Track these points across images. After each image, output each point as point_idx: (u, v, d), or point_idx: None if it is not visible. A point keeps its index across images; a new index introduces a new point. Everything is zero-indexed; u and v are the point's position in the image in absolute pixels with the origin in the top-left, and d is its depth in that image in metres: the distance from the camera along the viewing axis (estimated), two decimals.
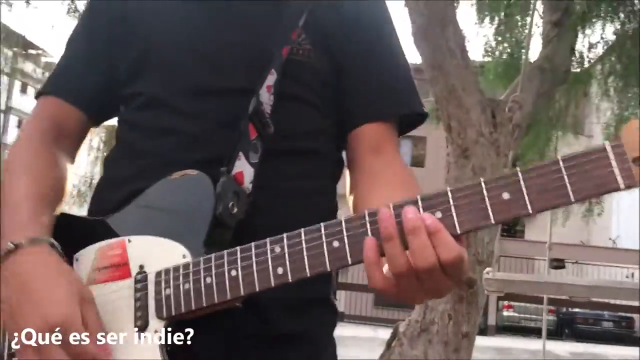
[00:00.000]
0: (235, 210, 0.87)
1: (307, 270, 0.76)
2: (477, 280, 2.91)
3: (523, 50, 3.66)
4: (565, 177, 0.68)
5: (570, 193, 0.67)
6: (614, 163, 0.67)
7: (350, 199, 1.01)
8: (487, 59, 5.92)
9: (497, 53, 5.68)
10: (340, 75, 1.00)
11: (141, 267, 0.86)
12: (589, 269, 18.04)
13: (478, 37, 5.95)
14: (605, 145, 0.68)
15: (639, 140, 0.66)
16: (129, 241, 0.88)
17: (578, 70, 5.28)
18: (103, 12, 1.05)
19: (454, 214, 0.71)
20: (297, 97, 0.97)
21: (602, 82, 5.62)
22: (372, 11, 1.05)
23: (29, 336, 0.78)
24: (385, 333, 3.14)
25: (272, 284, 0.77)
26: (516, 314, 17.98)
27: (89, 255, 0.89)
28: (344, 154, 1.06)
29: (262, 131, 0.92)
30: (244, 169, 0.90)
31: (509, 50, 5.52)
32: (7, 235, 0.84)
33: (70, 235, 0.89)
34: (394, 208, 0.72)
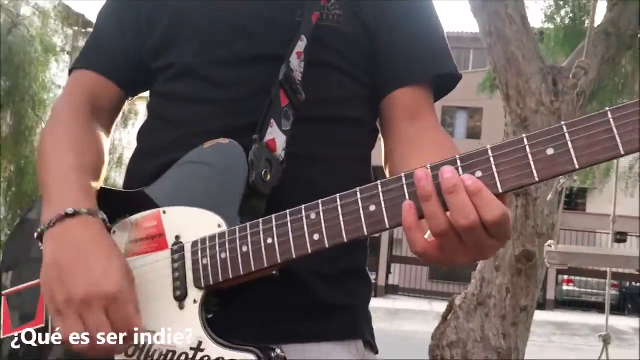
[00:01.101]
0: (269, 177, 0.86)
1: (344, 235, 0.75)
2: (537, 254, 2.84)
3: (587, 15, 3.50)
4: (614, 128, 0.63)
5: (620, 145, 0.63)
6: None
7: (386, 169, 0.99)
8: (547, 25, 5.69)
9: (558, 19, 5.45)
10: (372, 40, 0.98)
11: (177, 237, 0.86)
12: None
13: (537, 3, 5.72)
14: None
15: None
16: (164, 212, 0.88)
17: None
18: None
19: (495, 173, 0.68)
20: (328, 63, 0.96)
21: None
22: None
23: (69, 301, 0.79)
24: (440, 306, 3.12)
25: (309, 251, 0.77)
26: (576, 289, 17.57)
27: (124, 228, 0.90)
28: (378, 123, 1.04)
29: (294, 98, 0.91)
30: (276, 136, 0.89)
31: (571, 15, 5.29)
32: (58, 203, 0.85)
33: (107, 208, 0.89)
34: (431, 169, 0.70)
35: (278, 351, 0.82)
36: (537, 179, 0.67)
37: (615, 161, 3.58)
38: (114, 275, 0.80)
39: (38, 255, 0.87)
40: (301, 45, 0.92)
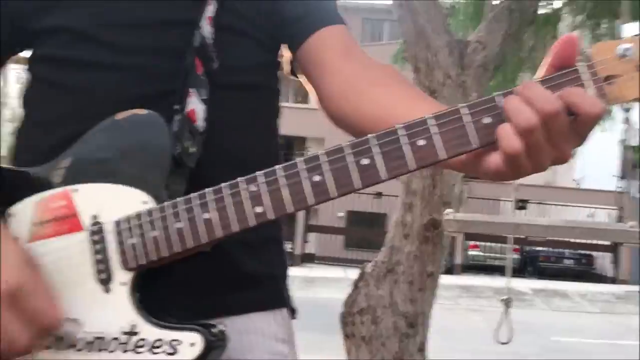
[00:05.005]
0: (193, 149, 0.83)
1: (290, 206, 0.74)
2: (442, 222, 2.95)
3: None
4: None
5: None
6: (587, 83, 0.68)
7: (329, 114, 0.95)
8: None
9: None
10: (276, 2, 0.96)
11: (95, 217, 0.80)
12: (552, 209, 18.52)
13: None
14: (579, 66, 0.69)
15: (609, 60, 0.68)
16: (75, 190, 0.82)
17: (548, 11, 5.24)
18: None
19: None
20: (237, 29, 0.93)
21: (571, 23, 5.61)
22: None
23: None
24: (355, 273, 3.19)
25: (252, 224, 0.75)
26: (482, 253, 18.51)
27: (25, 210, 0.82)
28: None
29: (208, 66, 0.88)
30: (196, 106, 0.86)
31: None
32: None
33: (2, 189, 0.82)
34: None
35: (221, 327, 0.79)
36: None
37: None
38: (10, 266, 0.73)
39: None
40: (211, 9, 0.89)
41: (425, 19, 3.13)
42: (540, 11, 4.47)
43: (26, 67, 0.96)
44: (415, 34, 3.15)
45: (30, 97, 0.96)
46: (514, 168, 0.70)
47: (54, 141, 0.87)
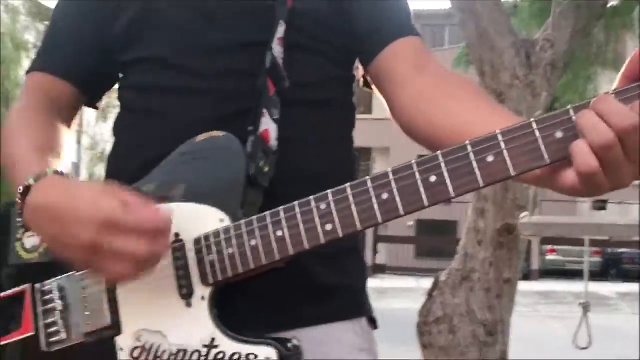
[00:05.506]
0: (267, 169, 0.86)
1: (358, 224, 0.75)
2: (517, 226, 2.87)
3: None
4: None
5: None
6: None
7: (403, 125, 0.94)
8: None
9: None
10: (345, 12, 0.96)
11: (177, 235, 0.84)
12: (634, 209, 17.61)
13: None
14: None
15: None
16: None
17: (616, 3, 5.04)
18: None
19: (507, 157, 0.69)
20: (306, 46, 0.95)
21: None
22: None
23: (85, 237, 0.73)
24: (427, 283, 3.15)
25: (322, 241, 0.77)
26: (560, 258, 17.81)
27: None
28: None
29: (280, 85, 0.91)
30: (269, 126, 0.89)
31: None
32: (25, 174, 0.83)
33: None
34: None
35: (295, 342, 0.81)
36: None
37: None
38: (111, 190, 0.77)
39: (15, 261, 0.85)
40: (281, 30, 0.91)
41: (488, 21, 3.08)
42: (610, 3, 4.30)
43: (117, 97, 1.03)
44: (478, 37, 3.10)
45: (119, 125, 1.02)
46: (592, 186, 0.67)
47: (139, 163, 0.92)
